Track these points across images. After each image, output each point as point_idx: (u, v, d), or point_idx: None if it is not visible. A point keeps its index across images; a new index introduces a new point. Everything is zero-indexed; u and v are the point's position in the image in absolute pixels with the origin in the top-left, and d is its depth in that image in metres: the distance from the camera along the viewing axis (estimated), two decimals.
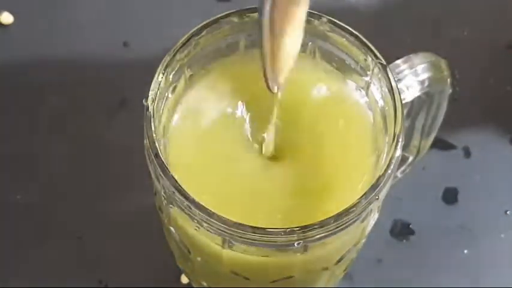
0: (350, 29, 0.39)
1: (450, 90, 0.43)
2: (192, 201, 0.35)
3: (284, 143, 0.40)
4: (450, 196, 0.52)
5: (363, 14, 0.57)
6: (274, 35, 0.36)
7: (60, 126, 0.53)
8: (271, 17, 0.36)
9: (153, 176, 0.37)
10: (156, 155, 0.36)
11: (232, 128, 0.40)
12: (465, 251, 0.50)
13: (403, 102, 0.38)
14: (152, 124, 0.36)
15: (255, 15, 0.39)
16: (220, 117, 0.40)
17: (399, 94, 0.38)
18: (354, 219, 0.36)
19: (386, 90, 0.38)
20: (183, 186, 0.35)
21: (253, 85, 0.40)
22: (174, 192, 0.35)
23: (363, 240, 0.42)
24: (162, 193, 0.37)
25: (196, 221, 0.36)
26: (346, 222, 0.35)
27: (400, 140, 0.37)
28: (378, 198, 0.36)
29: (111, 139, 0.52)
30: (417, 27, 0.56)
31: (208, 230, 0.36)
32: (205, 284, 0.45)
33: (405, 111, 0.38)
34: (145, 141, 0.37)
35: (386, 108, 0.38)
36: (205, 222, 0.35)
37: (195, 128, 0.40)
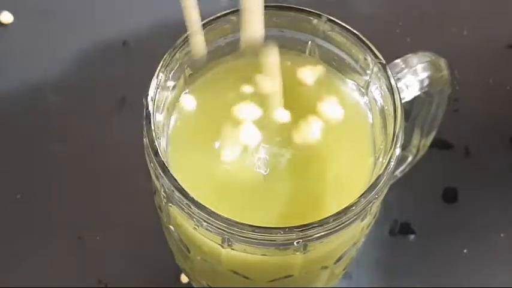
0: (350, 28, 0.39)
1: (450, 90, 0.43)
2: (192, 200, 0.35)
3: (283, 142, 0.40)
4: (450, 196, 0.52)
5: (363, 13, 0.57)
6: None
7: (60, 125, 0.53)
8: None
9: (152, 175, 0.37)
10: (156, 154, 0.36)
11: (232, 127, 0.40)
12: (465, 251, 0.50)
13: (403, 101, 0.38)
14: (152, 123, 0.36)
15: None
16: (220, 116, 0.40)
17: (399, 93, 0.38)
18: (354, 218, 0.36)
19: (386, 89, 0.38)
20: (182, 185, 0.35)
21: (253, 84, 0.40)
22: (173, 191, 0.35)
23: (363, 240, 0.42)
24: (162, 192, 0.37)
25: (195, 220, 0.36)
26: (346, 221, 0.35)
27: (400, 139, 0.37)
28: (377, 198, 0.36)
29: (111, 138, 0.52)
30: (417, 26, 0.56)
31: (207, 229, 0.36)
32: (204, 283, 0.45)
33: (404, 111, 0.38)
34: (144, 140, 0.37)
35: (386, 107, 0.38)
36: (205, 221, 0.35)
37: (195, 126, 0.40)
